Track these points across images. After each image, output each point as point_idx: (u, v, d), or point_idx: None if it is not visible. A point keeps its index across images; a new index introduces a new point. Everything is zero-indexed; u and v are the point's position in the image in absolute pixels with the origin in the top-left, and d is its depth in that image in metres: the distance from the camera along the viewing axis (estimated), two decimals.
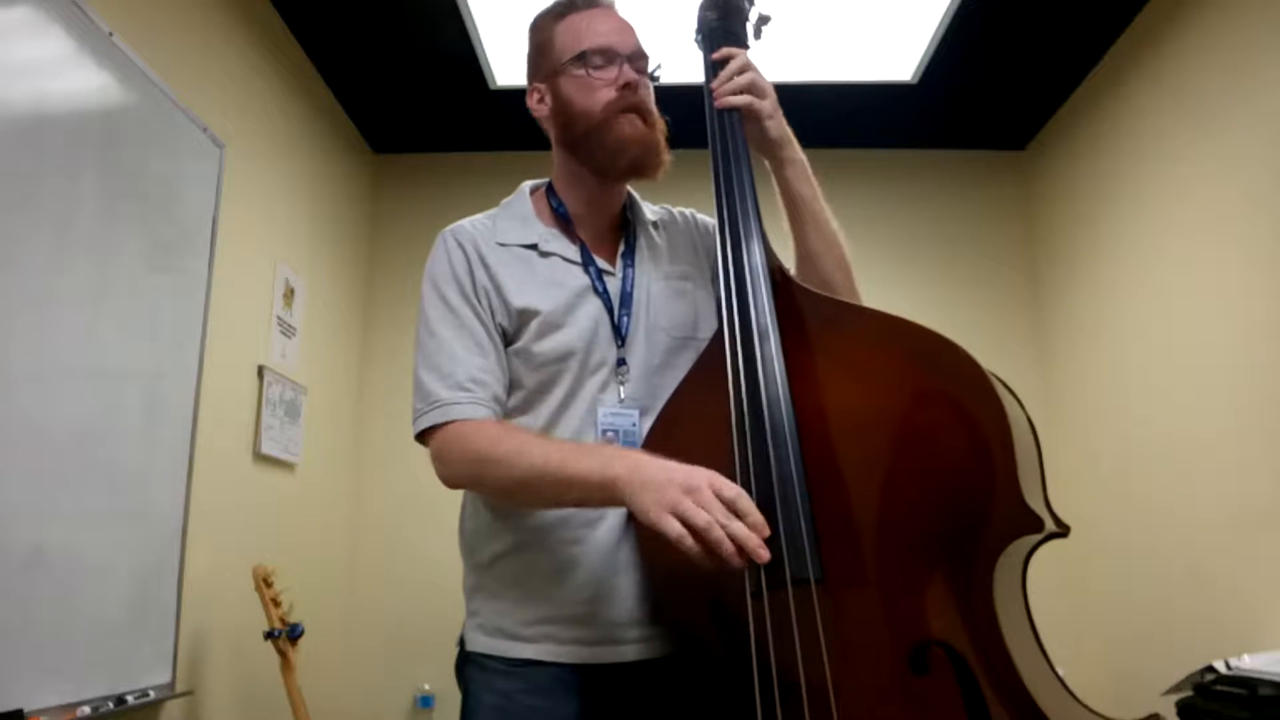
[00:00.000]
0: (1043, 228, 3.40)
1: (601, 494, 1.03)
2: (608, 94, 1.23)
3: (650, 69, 1.28)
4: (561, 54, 1.26)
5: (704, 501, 0.94)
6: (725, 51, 1.26)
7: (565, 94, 1.26)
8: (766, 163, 1.27)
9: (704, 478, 0.96)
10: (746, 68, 1.24)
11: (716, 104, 1.24)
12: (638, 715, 1.17)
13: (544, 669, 1.17)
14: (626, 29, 1.28)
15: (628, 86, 1.22)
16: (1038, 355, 3.37)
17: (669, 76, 1.33)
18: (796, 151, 1.26)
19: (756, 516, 0.95)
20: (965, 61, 2.93)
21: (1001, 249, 3.48)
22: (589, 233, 1.30)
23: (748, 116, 1.23)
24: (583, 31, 1.26)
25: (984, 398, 0.96)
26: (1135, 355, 2.74)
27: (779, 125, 1.24)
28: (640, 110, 1.23)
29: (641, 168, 1.25)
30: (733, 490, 0.96)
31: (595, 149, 1.24)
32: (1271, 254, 2.13)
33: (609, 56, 1.24)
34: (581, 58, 1.24)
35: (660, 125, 1.27)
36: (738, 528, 0.93)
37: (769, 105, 1.23)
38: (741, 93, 1.22)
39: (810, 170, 1.27)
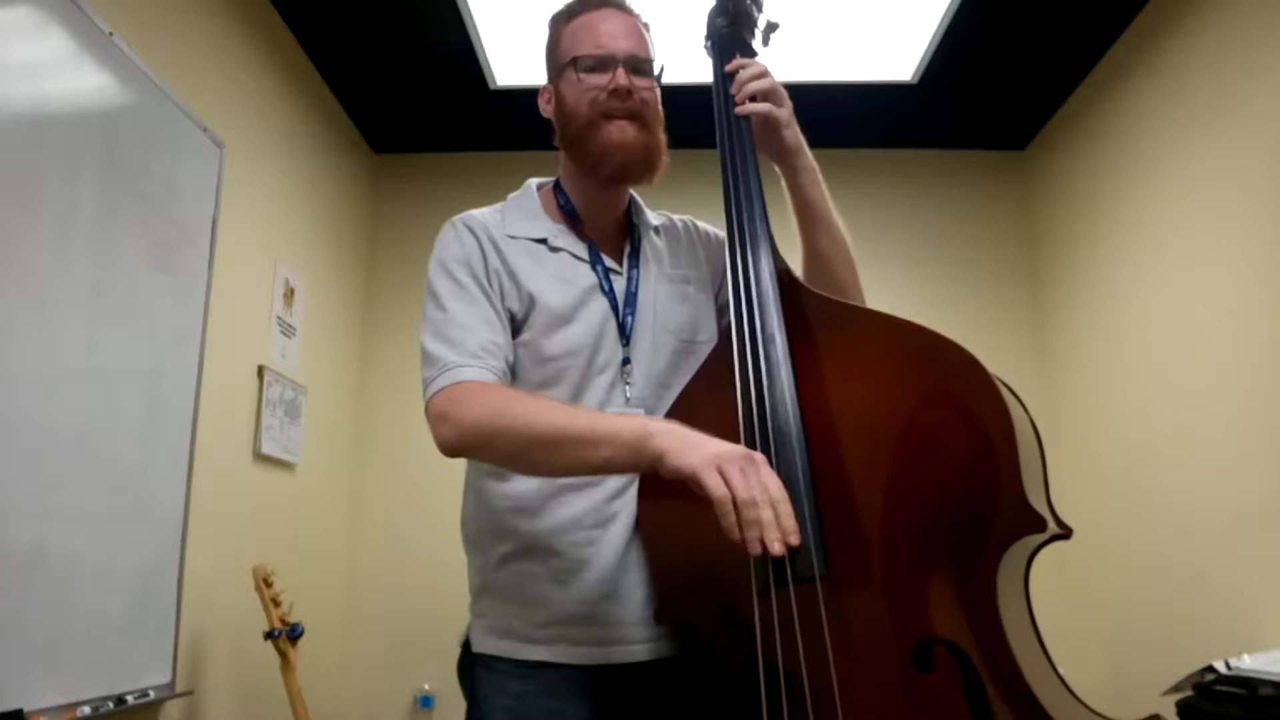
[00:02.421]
0: (1043, 228, 3.40)
1: (633, 452, 0.98)
2: (597, 98, 1.22)
3: (655, 71, 1.28)
4: (563, 57, 1.27)
5: (754, 478, 0.91)
6: (742, 60, 1.26)
7: (562, 96, 1.27)
8: (777, 169, 1.27)
9: (761, 458, 0.94)
10: (764, 73, 1.24)
11: (737, 110, 1.24)
12: (648, 715, 1.17)
13: (556, 670, 1.16)
14: (627, 32, 1.26)
15: (616, 92, 1.21)
16: (1038, 355, 3.37)
17: (678, 77, 1.34)
18: (809, 159, 1.26)
19: (792, 522, 0.92)
20: (965, 61, 2.93)
21: (1001, 249, 3.48)
22: (596, 232, 1.30)
23: (766, 125, 1.23)
24: (581, 35, 1.26)
25: (988, 399, 0.97)
26: (1135, 355, 2.74)
27: (795, 134, 1.24)
28: (633, 114, 1.22)
29: (627, 175, 1.24)
30: (779, 488, 0.93)
31: (585, 152, 1.24)
32: (1271, 254, 2.13)
33: (603, 61, 1.23)
34: (575, 62, 1.24)
35: (659, 131, 1.26)
36: (767, 515, 0.90)
37: (786, 114, 1.23)
38: (761, 96, 1.23)
39: (820, 175, 1.27)
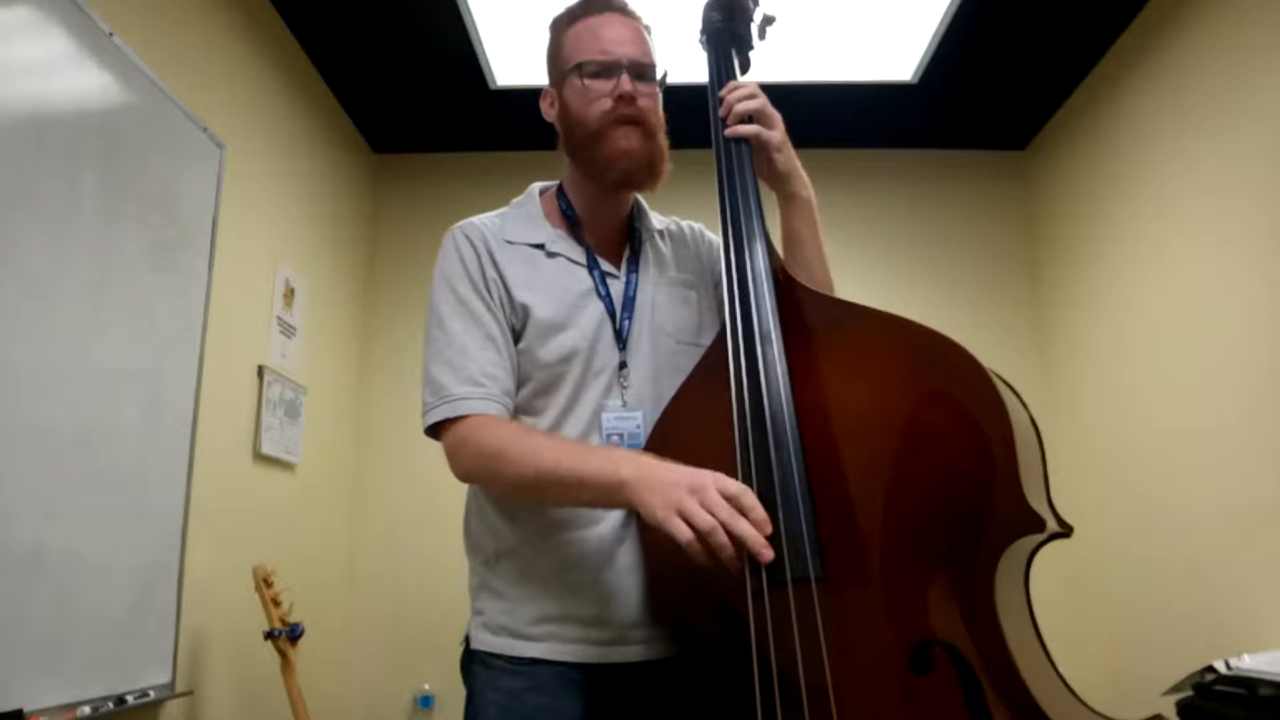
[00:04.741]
0: (1043, 228, 3.40)
1: (610, 497, 1.05)
2: (604, 105, 1.22)
3: (658, 76, 1.27)
4: (566, 62, 1.27)
5: (709, 502, 0.95)
6: (732, 83, 1.26)
7: (566, 102, 1.27)
8: (773, 193, 1.26)
9: (709, 478, 0.97)
10: (754, 95, 1.23)
11: (725, 132, 1.24)
12: (642, 715, 1.17)
13: (550, 668, 1.17)
14: (630, 38, 1.26)
15: (622, 98, 1.21)
16: (1037, 355, 3.37)
17: (675, 76, 1.33)
18: (802, 186, 1.25)
19: (760, 512, 0.96)
20: (965, 61, 2.93)
21: (1001, 249, 3.48)
22: (596, 236, 1.30)
23: (755, 148, 1.23)
24: (585, 40, 1.26)
25: (985, 397, 0.96)
26: (1135, 355, 2.74)
27: (786, 159, 1.24)
28: (638, 121, 1.22)
29: (632, 181, 1.25)
30: (736, 486, 0.96)
31: (591, 159, 1.24)
32: (1271, 253, 2.13)
33: (607, 67, 1.23)
34: (579, 68, 1.24)
35: (661, 137, 1.26)
36: (743, 527, 0.94)
37: (777, 136, 1.23)
38: (749, 119, 1.22)
39: (815, 204, 1.26)
